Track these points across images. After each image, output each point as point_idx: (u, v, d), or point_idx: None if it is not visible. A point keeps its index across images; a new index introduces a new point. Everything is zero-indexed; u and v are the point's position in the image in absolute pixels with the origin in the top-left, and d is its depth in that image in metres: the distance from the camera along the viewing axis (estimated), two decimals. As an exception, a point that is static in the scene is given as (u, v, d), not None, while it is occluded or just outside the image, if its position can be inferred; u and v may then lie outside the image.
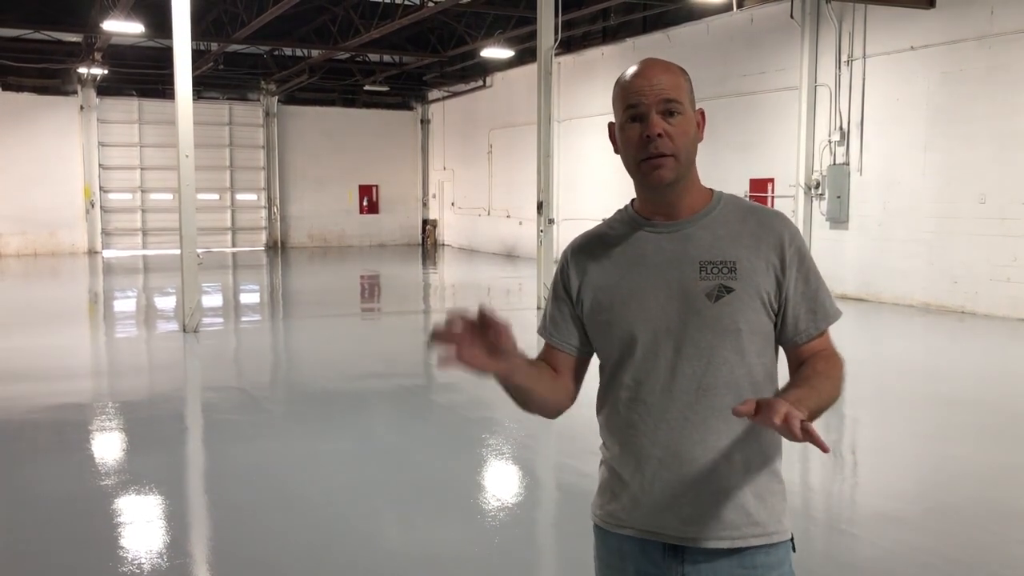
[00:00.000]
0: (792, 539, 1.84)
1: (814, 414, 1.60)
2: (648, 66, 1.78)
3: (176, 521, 4.91)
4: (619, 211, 1.93)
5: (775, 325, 1.80)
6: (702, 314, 1.75)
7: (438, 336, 1.61)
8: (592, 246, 1.91)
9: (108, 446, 6.53)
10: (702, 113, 1.83)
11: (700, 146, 1.85)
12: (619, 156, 1.84)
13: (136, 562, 4.24)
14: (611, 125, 1.84)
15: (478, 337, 1.63)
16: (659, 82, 1.74)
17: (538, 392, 1.84)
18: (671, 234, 1.81)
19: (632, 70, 1.79)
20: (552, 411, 1.91)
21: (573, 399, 1.95)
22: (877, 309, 12.97)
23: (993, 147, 11.84)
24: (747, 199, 1.91)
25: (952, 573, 4.17)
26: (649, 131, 1.73)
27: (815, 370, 1.74)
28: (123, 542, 4.54)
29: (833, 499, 5.40)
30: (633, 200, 1.90)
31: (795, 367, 1.81)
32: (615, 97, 1.80)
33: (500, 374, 1.69)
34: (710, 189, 1.87)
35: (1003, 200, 11.73)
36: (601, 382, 1.90)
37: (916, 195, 12.91)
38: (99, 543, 4.49)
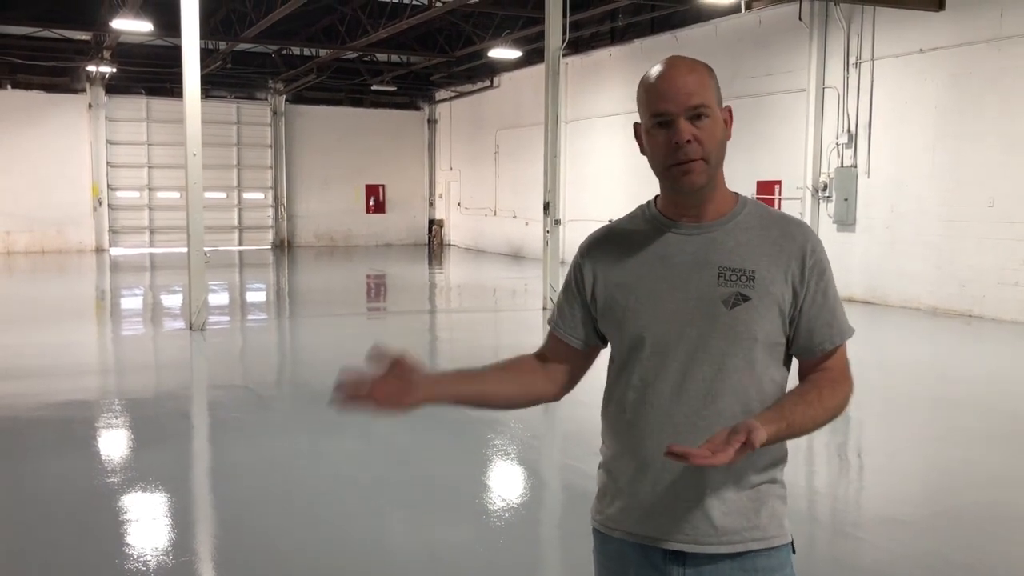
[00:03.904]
0: (792, 542, 1.84)
1: (777, 439, 1.63)
2: (673, 67, 1.74)
3: (182, 519, 4.92)
4: (640, 207, 1.90)
5: (788, 337, 1.78)
6: (717, 320, 1.73)
7: (341, 388, 1.69)
8: (611, 242, 1.89)
9: (115, 443, 6.55)
10: (729, 111, 1.79)
11: None
12: (643, 156, 1.81)
13: (142, 559, 4.26)
14: (637, 125, 1.81)
15: (386, 379, 1.70)
16: (685, 85, 1.71)
17: (491, 396, 1.93)
18: (694, 237, 1.79)
19: (657, 71, 1.75)
20: (527, 404, 1.97)
21: (560, 390, 1.97)
22: (884, 312, 12.94)
23: (1002, 150, 11.79)
24: (771, 207, 1.90)
25: (958, 577, 4.15)
26: (678, 138, 1.70)
27: (804, 397, 1.72)
28: (129, 539, 4.55)
29: (839, 502, 5.39)
30: (656, 197, 1.88)
31: (804, 379, 1.80)
32: (639, 99, 1.77)
33: (420, 402, 1.76)
34: (735, 193, 1.85)
35: (1012, 203, 11.68)
36: (608, 380, 1.89)
37: (924, 198, 12.87)
38: (105, 540, 4.50)
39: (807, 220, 14.21)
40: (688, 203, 1.79)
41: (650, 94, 1.74)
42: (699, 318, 1.74)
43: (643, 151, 1.81)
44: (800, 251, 1.76)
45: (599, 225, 1.96)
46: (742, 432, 1.52)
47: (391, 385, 1.71)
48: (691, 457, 1.51)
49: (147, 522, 4.82)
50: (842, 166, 14.10)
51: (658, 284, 1.78)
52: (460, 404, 1.86)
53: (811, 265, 1.75)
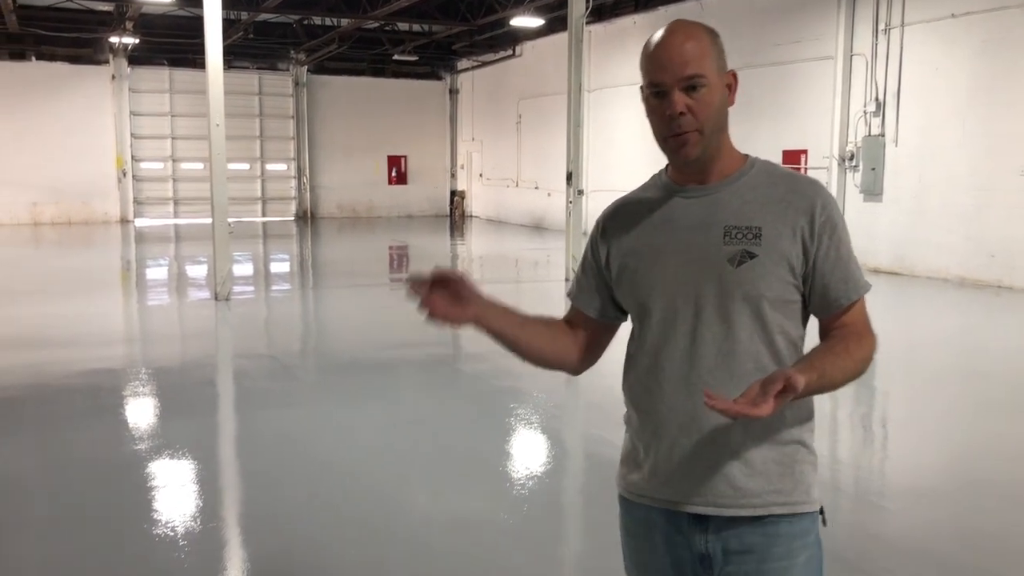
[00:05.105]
0: (822, 511, 1.81)
1: (812, 390, 1.60)
2: (671, 34, 1.72)
3: (208, 486, 4.98)
4: (654, 176, 1.91)
5: (803, 294, 1.77)
6: (724, 279, 1.73)
7: (414, 288, 1.80)
8: (625, 211, 1.90)
9: (141, 412, 6.63)
10: (733, 75, 1.77)
11: (733, 116, 1.80)
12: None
13: (170, 525, 4.32)
14: (642, 89, 1.80)
15: (442, 294, 1.79)
16: (681, 55, 1.69)
17: (526, 341, 1.90)
18: (700, 199, 1.79)
19: (657, 38, 1.74)
20: (552, 363, 1.96)
21: (583, 361, 1.98)
22: (912, 283, 12.80)
23: (1034, 118, 11.56)
24: (782, 165, 1.87)
25: (984, 547, 4.13)
26: (671, 110, 1.70)
27: (832, 349, 1.70)
28: (156, 505, 4.62)
29: (863, 472, 5.36)
30: (668, 165, 1.88)
31: (825, 337, 1.78)
32: (641, 65, 1.77)
33: (472, 319, 1.81)
34: (745, 155, 1.84)
35: (1043, 172, 11.47)
36: (628, 351, 1.90)
37: (953, 167, 12.66)
38: (133, 506, 4.57)
39: (833, 190, 14.05)
40: (690, 169, 1.79)
41: (648, 62, 1.74)
42: (706, 278, 1.74)
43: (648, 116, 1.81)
44: (809, 207, 1.73)
45: (622, 195, 1.96)
46: (779, 380, 1.49)
47: (446, 299, 1.79)
48: (730, 410, 1.49)
49: (174, 489, 4.88)
50: (869, 135, 13.89)
51: (664, 248, 1.79)
52: (497, 337, 1.86)
53: (822, 221, 1.73)
